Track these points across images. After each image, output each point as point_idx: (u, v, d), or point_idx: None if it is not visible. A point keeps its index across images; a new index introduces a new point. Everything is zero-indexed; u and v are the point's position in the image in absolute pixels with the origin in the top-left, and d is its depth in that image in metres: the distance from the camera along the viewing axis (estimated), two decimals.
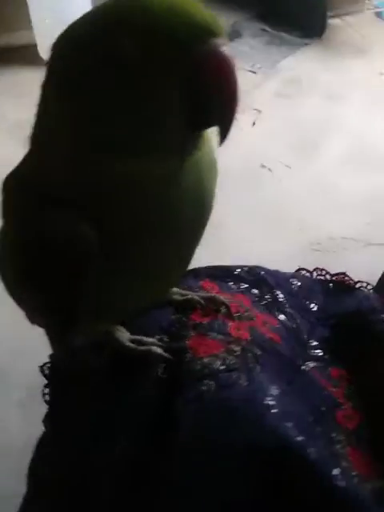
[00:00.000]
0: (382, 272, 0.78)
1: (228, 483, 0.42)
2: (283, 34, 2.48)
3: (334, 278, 0.70)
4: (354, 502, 0.41)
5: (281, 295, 0.64)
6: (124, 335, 0.53)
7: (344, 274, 0.70)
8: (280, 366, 0.52)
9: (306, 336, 0.61)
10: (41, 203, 0.40)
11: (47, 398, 0.61)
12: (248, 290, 0.63)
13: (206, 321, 0.54)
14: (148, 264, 0.43)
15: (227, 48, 0.35)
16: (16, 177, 0.44)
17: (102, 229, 0.39)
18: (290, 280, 0.68)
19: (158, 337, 0.53)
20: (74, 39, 0.38)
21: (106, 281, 0.41)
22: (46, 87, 0.40)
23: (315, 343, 0.61)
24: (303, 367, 0.55)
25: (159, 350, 0.51)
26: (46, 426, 0.60)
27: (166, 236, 0.42)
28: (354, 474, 0.44)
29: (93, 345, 0.56)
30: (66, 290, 0.41)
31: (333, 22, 2.44)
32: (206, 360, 0.49)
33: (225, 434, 0.43)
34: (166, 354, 0.51)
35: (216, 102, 0.36)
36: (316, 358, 0.58)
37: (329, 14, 2.39)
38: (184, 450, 0.44)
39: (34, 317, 0.50)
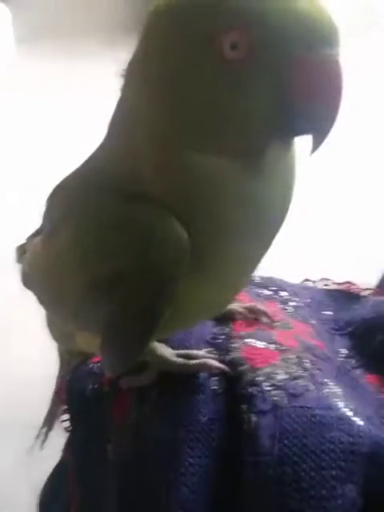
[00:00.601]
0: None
1: (336, 492, 0.39)
2: None
3: (339, 287, 0.70)
4: None
5: (301, 304, 0.63)
6: (167, 351, 0.49)
7: (349, 282, 0.70)
8: (334, 371, 0.50)
9: (331, 345, 0.61)
10: (127, 200, 0.36)
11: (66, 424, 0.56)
12: (271, 297, 0.62)
13: (250, 331, 0.52)
14: (227, 271, 0.40)
15: (339, 58, 0.33)
16: (83, 175, 0.40)
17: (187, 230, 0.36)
18: (301, 290, 0.67)
19: (205, 350, 0.50)
20: (173, 13, 0.34)
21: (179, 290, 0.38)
22: (132, 68, 0.37)
23: (343, 351, 0.60)
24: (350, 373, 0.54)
25: (216, 363, 0.48)
26: (69, 455, 0.55)
27: (248, 241, 0.39)
28: None
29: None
30: (154, 299, 0.37)
31: None
32: (267, 370, 0.47)
33: (319, 441, 0.41)
34: (223, 367, 0.47)
35: (314, 113, 0.34)
36: (352, 366, 0.57)
37: None
38: (268, 462, 0.41)
39: (80, 334, 0.45)
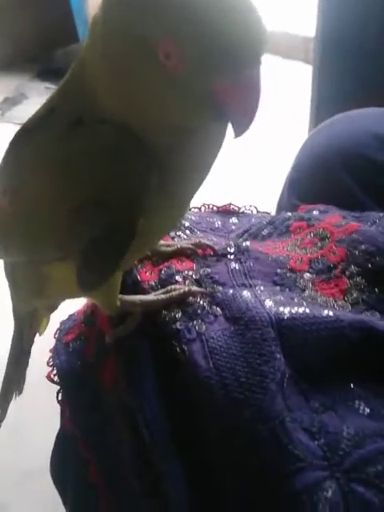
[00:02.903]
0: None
1: (267, 372, 0.48)
2: None
3: (220, 209, 0.76)
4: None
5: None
6: (147, 296, 0.55)
7: (230, 204, 0.77)
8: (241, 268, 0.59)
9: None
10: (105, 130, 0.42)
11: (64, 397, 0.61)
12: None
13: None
14: (174, 204, 0.48)
15: (258, 75, 0.39)
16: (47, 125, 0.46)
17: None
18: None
19: (159, 292, 0.56)
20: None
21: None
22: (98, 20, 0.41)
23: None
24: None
25: (196, 288, 0.55)
26: (72, 426, 0.60)
27: (192, 180, 0.48)
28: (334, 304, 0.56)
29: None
30: (132, 211, 0.43)
31: None
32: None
33: (240, 346, 0.50)
34: (204, 290, 0.55)
35: (235, 117, 0.41)
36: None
37: None
38: (208, 374, 0.49)
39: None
